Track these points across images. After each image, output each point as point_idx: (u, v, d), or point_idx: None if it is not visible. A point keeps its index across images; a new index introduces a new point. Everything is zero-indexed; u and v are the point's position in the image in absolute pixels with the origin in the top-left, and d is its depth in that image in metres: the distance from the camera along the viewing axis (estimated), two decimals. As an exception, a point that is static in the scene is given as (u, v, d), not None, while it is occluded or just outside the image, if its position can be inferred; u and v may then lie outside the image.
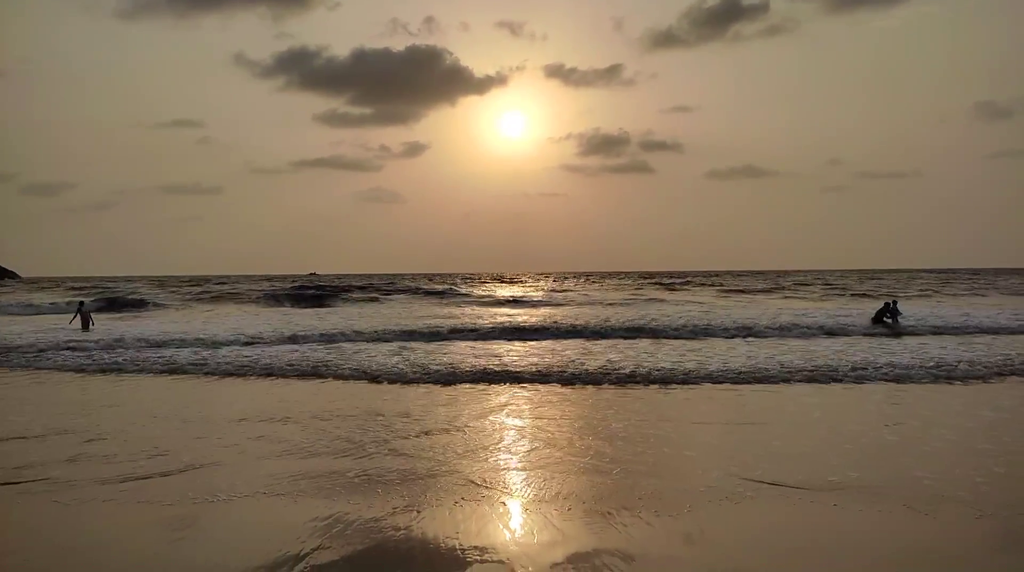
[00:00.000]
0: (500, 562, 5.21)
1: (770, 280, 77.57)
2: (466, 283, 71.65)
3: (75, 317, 26.11)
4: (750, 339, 19.22)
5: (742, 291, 54.60)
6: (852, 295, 48.84)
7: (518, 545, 5.57)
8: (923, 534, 5.80)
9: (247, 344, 18.52)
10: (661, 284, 70.46)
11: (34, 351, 17.01)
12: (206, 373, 14.97)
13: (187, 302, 44.71)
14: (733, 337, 19.75)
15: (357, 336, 20.03)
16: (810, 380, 13.51)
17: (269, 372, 14.56)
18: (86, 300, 29.46)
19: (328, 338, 19.61)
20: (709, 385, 13.15)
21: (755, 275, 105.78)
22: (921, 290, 52.45)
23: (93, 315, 27.04)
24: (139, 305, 42.38)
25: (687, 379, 13.62)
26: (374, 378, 13.95)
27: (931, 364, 14.37)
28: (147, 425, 10.33)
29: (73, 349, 17.16)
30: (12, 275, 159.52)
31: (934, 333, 20.46)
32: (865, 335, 20.82)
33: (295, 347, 17.73)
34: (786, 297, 48.04)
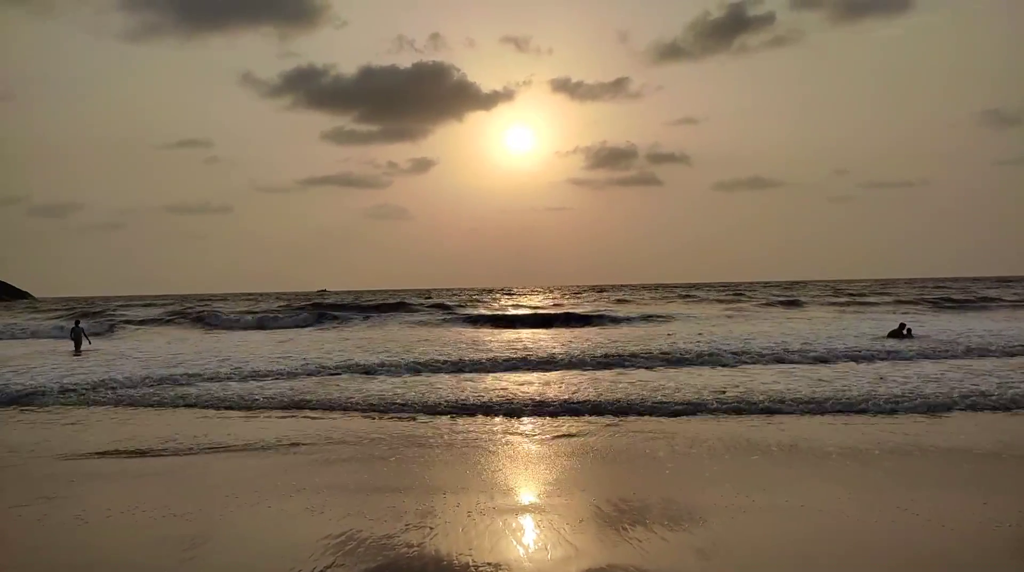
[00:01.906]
0: (514, 579, 5.17)
1: (788, 291, 77.18)
2: (475, 300, 71.50)
3: (71, 338, 26.32)
4: (784, 366, 17.74)
5: (790, 303, 53.36)
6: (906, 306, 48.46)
7: (532, 561, 5.53)
8: (938, 543, 5.73)
9: (264, 374, 18.00)
10: (680, 296, 70.09)
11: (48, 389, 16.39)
12: (212, 406, 14.83)
13: (191, 324, 44.84)
14: (768, 364, 18.20)
15: (366, 366, 18.82)
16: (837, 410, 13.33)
17: (283, 404, 13.82)
18: (82, 321, 29.52)
19: (338, 367, 18.49)
20: (739, 414, 13.05)
21: (764, 286, 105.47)
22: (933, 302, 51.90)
23: (86, 337, 27.12)
24: (156, 328, 42.54)
25: (703, 409, 13.39)
26: (381, 409, 13.09)
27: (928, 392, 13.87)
28: (162, 452, 10.37)
29: (70, 388, 15.77)
30: (26, 295, 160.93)
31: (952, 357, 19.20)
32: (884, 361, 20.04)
33: (300, 381, 16.91)
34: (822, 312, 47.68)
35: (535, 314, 41.76)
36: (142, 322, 44.86)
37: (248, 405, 13.66)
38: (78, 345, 25.86)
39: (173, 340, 31.88)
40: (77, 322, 28.12)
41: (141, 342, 30.62)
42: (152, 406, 13.82)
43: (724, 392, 13.50)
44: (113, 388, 15.73)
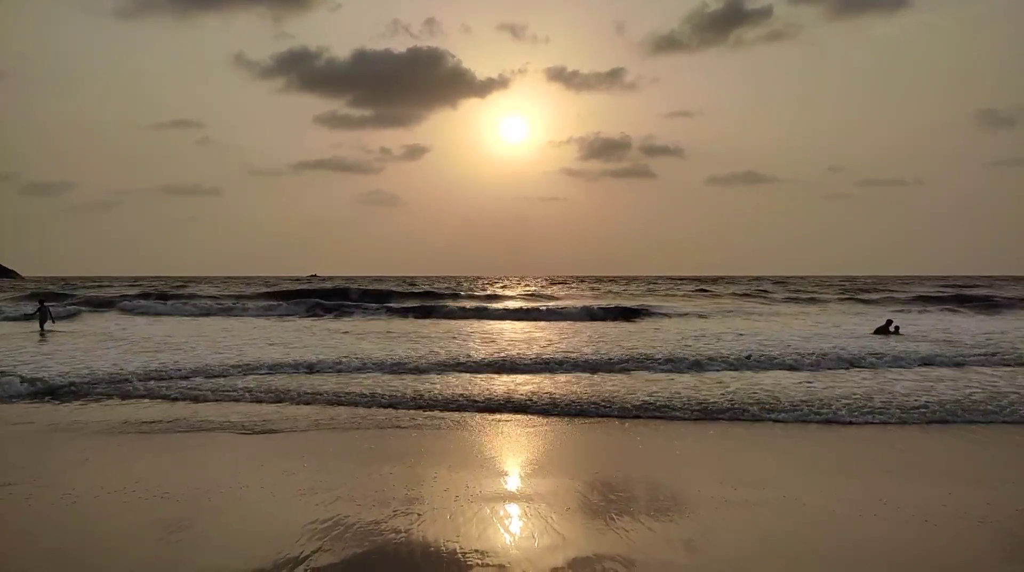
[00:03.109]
0: (500, 566, 5.19)
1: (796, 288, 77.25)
2: (466, 290, 71.27)
3: (38, 317, 26.23)
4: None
5: (783, 299, 53.30)
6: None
7: (519, 549, 5.55)
8: (926, 542, 5.78)
9: (253, 362, 17.79)
10: (673, 290, 70.05)
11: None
12: (201, 392, 14.82)
13: (178, 308, 44.56)
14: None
15: (356, 357, 17.64)
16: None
17: (274, 391, 13.45)
18: (47, 302, 29.37)
19: (329, 358, 17.41)
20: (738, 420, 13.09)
21: (755, 280, 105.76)
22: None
23: (53, 315, 27.15)
24: (140, 309, 42.31)
25: (692, 408, 13.42)
26: (370, 399, 12.65)
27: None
28: (153, 433, 10.35)
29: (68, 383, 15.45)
30: (13, 274, 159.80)
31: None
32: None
33: (290, 370, 16.31)
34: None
35: (526, 307, 41.42)
36: (125, 303, 44.37)
37: (237, 391, 13.49)
38: (43, 325, 25.88)
39: (157, 323, 31.72)
40: (42, 302, 28.00)
41: (123, 326, 30.36)
42: (135, 396, 13.69)
43: (713, 393, 13.52)
44: (95, 378, 14.74)
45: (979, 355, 18.22)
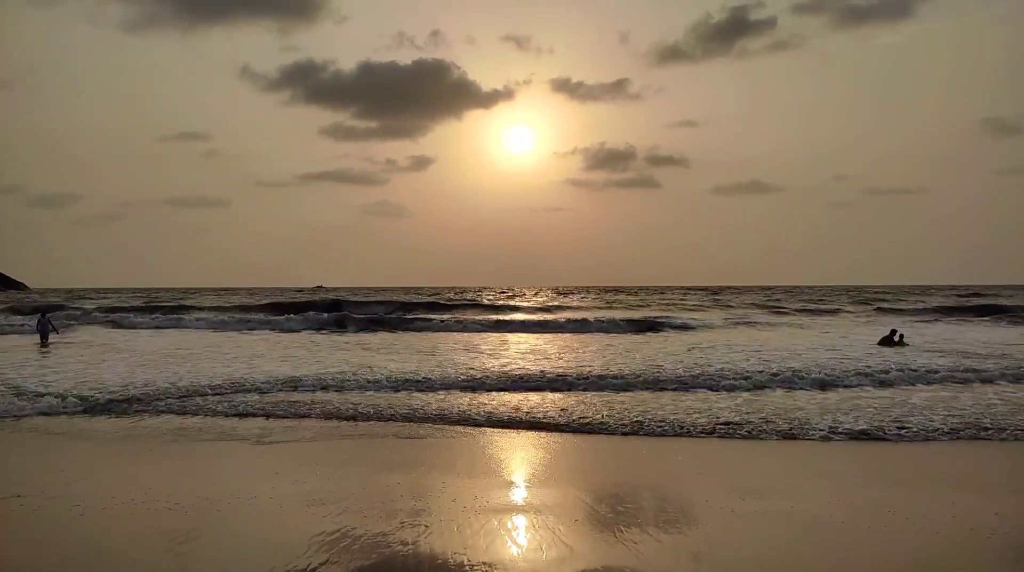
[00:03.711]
0: (508, 578, 5.18)
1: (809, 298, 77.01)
2: (472, 300, 71.23)
3: (38, 329, 26.23)
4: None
5: (787, 310, 52.84)
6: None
7: (527, 561, 5.54)
8: (934, 552, 5.74)
9: (259, 379, 17.86)
10: (679, 301, 69.77)
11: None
12: (209, 408, 14.86)
13: (184, 321, 44.70)
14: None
15: (363, 373, 18.03)
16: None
17: (284, 405, 13.94)
18: (48, 314, 29.35)
19: (337, 373, 17.73)
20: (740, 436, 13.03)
21: (764, 290, 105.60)
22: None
23: (53, 327, 27.15)
24: (146, 323, 42.43)
25: (698, 428, 13.32)
26: (379, 413, 12.58)
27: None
28: (154, 449, 10.38)
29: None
30: (20, 286, 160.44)
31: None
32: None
33: (297, 387, 16.83)
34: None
35: (533, 319, 41.23)
36: (129, 317, 44.45)
37: (244, 403, 13.54)
38: (44, 337, 25.91)
39: (160, 336, 31.82)
40: (43, 314, 28.04)
41: (127, 338, 30.42)
42: (143, 409, 13.72)
43: (722, 405, 13.50)
44: (101, 391, 14.56)
45: (988, 366, 18.08)
